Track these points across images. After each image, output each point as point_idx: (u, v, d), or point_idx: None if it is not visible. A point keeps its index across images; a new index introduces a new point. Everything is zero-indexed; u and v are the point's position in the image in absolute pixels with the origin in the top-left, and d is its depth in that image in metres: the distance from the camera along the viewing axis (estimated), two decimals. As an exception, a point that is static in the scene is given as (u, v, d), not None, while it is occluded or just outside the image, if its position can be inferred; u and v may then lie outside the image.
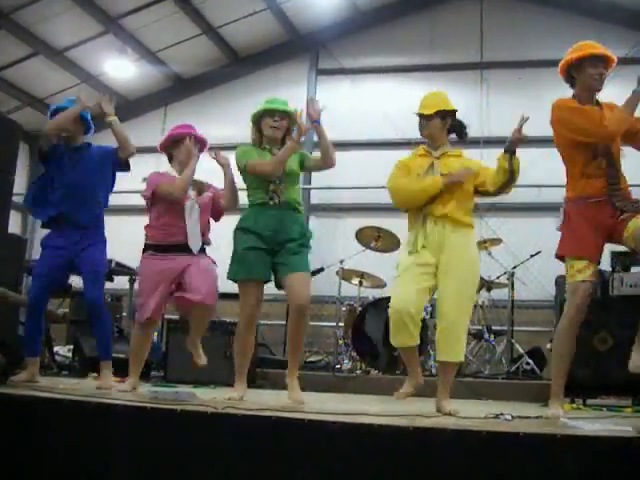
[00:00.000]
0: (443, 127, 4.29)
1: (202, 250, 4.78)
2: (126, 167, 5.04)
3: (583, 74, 4.06)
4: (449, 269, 4.06)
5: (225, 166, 4.72)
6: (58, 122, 4.91)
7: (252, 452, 2.94)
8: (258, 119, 4.55)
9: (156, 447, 3.08)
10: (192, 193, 4.79)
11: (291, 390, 4.34)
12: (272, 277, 4.45)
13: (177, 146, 4.82)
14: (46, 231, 4.99)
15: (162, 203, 4.74)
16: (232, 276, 4.39)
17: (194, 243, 4.69)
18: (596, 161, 3.93)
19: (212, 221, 4.98)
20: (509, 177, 4.07)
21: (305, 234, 4.48)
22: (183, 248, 4.67)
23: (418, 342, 4.17)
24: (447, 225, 4.12)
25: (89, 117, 5.08)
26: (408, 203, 4.22)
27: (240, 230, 4.43)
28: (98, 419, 3.23)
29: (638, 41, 11.35)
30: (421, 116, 4.32)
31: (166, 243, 4.69)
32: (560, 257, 4.04)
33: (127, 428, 3.16)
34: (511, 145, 4.06)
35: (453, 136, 4.42)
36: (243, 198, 4.72)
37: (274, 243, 4.36)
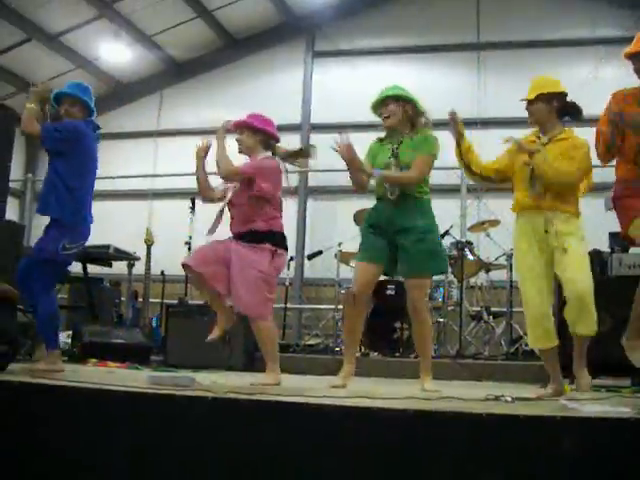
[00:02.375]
0: (550, 111, 4.06)
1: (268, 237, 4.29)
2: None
3: None
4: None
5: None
6: None
7: (253, 436, 2.95)
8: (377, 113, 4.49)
9: (156, 432, 3.08)
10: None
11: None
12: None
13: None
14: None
15: None
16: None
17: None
18: None
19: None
20: None
21: None
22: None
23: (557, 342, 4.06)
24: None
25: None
26: None
27: None
28: (97, 404, 3.23)
29: (635, 20, 11.31)
30: (527, 102, 4.10)
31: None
32: None
33: (127, 413, 3.16)
34: None
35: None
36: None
37: None
